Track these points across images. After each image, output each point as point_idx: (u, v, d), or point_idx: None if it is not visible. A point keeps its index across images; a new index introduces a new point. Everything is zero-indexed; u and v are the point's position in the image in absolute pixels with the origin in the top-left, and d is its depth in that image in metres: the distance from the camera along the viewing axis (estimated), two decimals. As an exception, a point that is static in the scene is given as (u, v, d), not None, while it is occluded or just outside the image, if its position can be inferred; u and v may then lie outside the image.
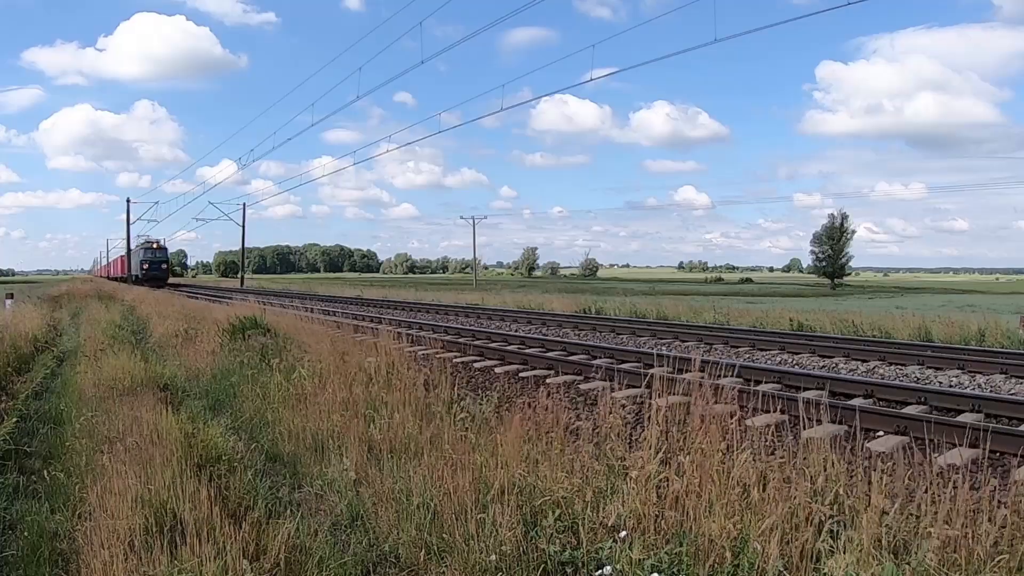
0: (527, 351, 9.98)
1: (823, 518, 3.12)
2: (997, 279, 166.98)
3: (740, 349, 10.79)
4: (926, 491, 3.25)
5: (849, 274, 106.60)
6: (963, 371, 8.38)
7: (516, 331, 13.99)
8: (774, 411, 5.57)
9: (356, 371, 7.16)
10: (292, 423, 6.23)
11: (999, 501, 3.10)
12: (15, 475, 5.41)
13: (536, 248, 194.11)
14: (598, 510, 3.57)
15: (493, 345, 10.66)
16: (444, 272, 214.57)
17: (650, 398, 4.93)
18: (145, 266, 50.82)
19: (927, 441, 4.69)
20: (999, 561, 2.78)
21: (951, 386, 7.59)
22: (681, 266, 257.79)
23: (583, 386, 7.37)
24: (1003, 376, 7.95)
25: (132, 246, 56.48)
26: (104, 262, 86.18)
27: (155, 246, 52.76)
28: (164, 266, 52.92)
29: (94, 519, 3.82)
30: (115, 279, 61.87)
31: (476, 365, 9.05)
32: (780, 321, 14.82)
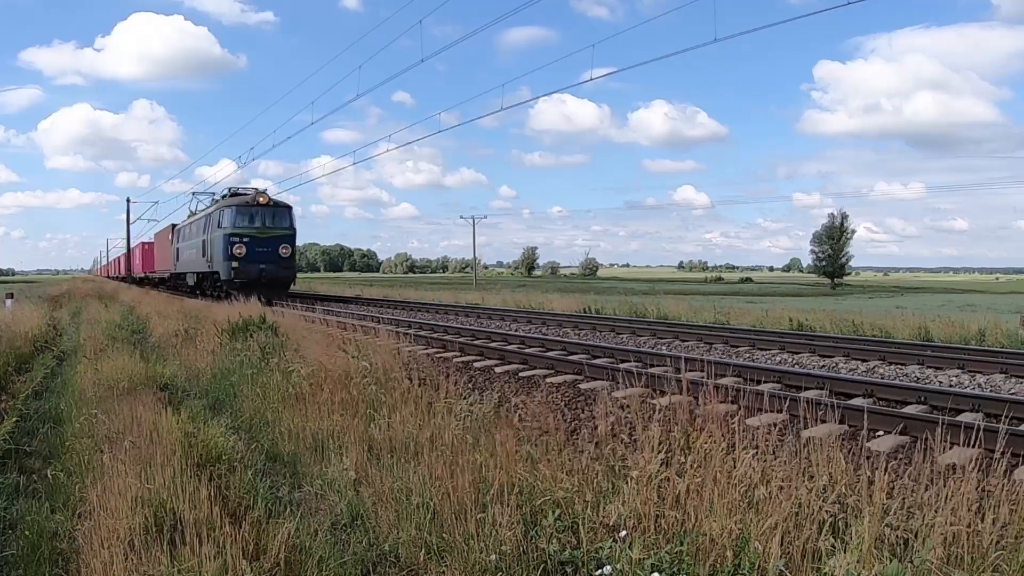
0: (527, 351, 9.97)
1: (825, 517, 3.12)
2: (997, 279, 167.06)
3: (740, 349, 10.79)
4: (926, 489, 3.26)
5: (849, 274, 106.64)
6: (963, 371, 8.37)
7: (516, 331, 13.99)
8: (774, 410, 5.57)
9: (356, 370, 7.15)
10: (292, 423, 6.22)
11: (1000, 501, 3.09)
12: (15, 475, 5.40)
13: (536, 248, 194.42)
14: (598, 510, 3.57)
15: (493, 345, 10.65)
16: (444, 272, 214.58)
17: (651, 397, 4.94)
18: (239, 250, 22.35)
19: (927, 440, 4.69)
20: (999, 557, 2.78)
21: (951, 386, 7.59)
22: (681, 266, 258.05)
23: (583, 386, 7.36)
24: (1003, 376, 7.95)
25: (203, 203, 29.20)
26: (104, 261, 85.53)
27: (261, 200, 23.55)
28: (286, 251, 23.39)
29: (94, 519, 3.82)
30: (116, 279, 58.00)
31: (476, 365, 9.04)
32: (780, 321, 14.82)
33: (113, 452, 4.88)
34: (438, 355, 9.73)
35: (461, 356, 9.71)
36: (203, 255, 25.09)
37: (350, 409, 6.16)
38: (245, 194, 24.71)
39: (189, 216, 30.82)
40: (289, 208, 24.21)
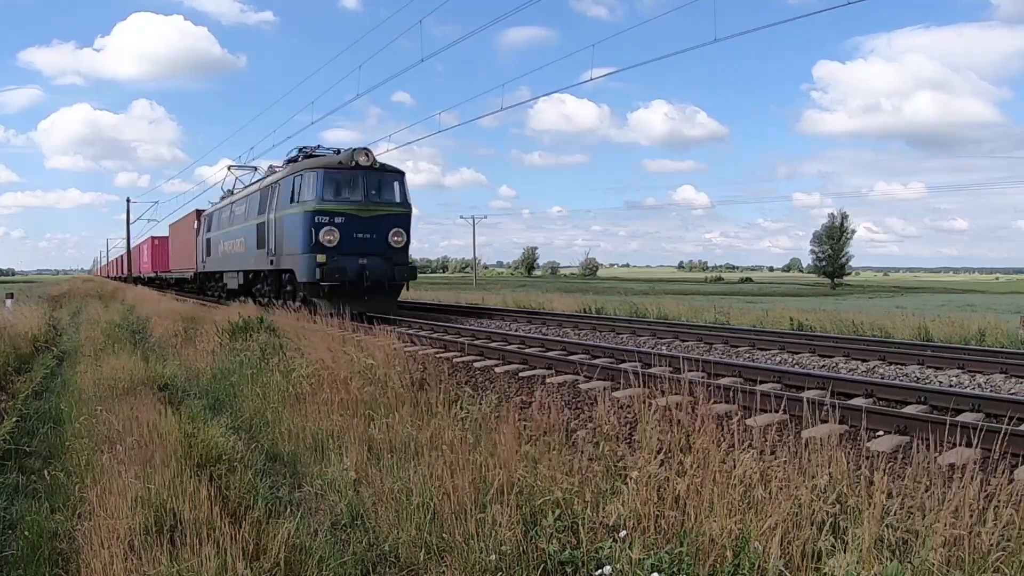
0: (527, 351, 9.97)
1: (825, 517, 3.12)
2: (997, 279, 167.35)
3: (740, 349, 10.78)
4: (926, 491, 3.26)
5: (849, 274, 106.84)
6: (963, 371, 8.37)
7: (516, 330, 13.98)
8: (774, 411, 5.57)
9: (355, 371, 7.15)
10: (292, 423, 6.22)
11: (1002, 502, 3.09)
12: (15, 475, 5.40)
13: (536, 248, 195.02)
14: (598, 510, 3.57)
15: (493, 344, 10.65)
16: (444, 271, 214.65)
17: (651, 397, 4.94)
18: (329, 237, 14.53)
19: (928, 441, 4.70)
20: (1000, 559, 2.78)
21: (951, 385, 7.59)
22: (681, 266, 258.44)
23: (583, 386, 7.36)
24: (1003, 376, 7.95)
25: (245, 181, 22.03)
26: (104, 261, 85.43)
27: (362, 160, 15.12)
28: (399, 238, 15.46)
29: (94, 519, 3.82)
30: (116, 279, 57.48)
31: (476, 365, 9.04)
32: (780, 321, 14.81)
33: (113, 452, 4.89)
34: (438, 355, 9.73)
35: (461, 356, 9.71)
36: (260, 246, 17.11)
37: (349, 409, 6.16)
38: (328, 153, 16.15)
39: (225, 196, 22.74)
40: (401, 175, 15.82)
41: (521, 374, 8.27)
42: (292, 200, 15.31)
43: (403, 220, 15.70)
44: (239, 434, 6.40)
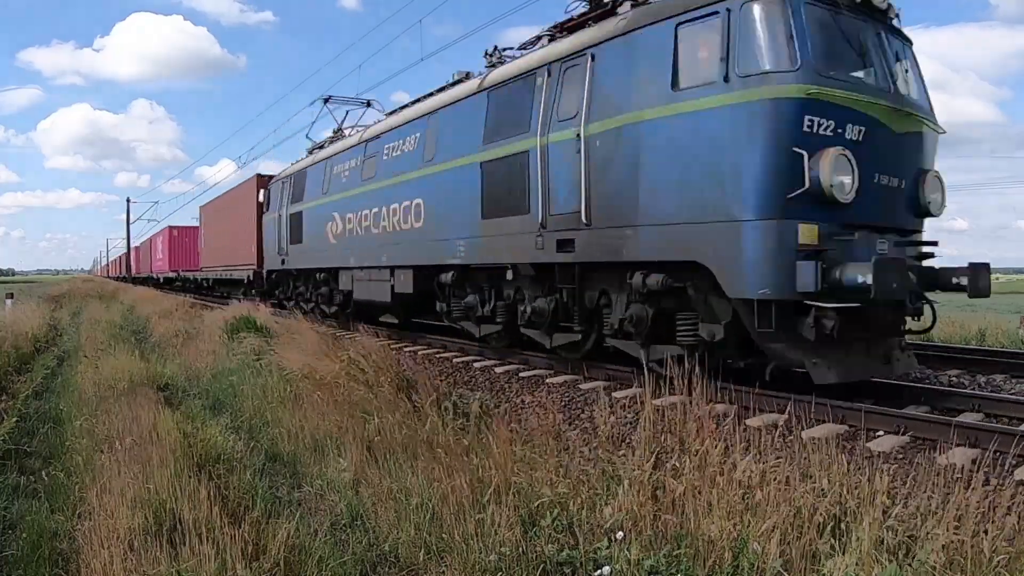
0: (526, 351, 9.96)
1: (824, 519, 3.12)
2: (997, 279, 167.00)
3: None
4: (925, 491, 3.26)
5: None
6: (963, 371, 8.36)
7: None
8: (773, 411, 5.56)
9: (353, 371, 7.15)
10: (291, 423, 6.23)
11: (1001, 502, 3.10)
12: (15, 475, 5.41)
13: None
14: (595, 511, 3.57)
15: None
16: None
17: (653, 397, 4.93)
18: (843, 180, 5.03)
19: (928, 441, 4.70)
20: (1001, 561, 2.77)
21: (951, 385, 7.58)
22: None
23: (583, 386, 7.36)
24: (1003, 376, 7.94)
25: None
26: (104, 261, 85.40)
27: None
28: (937, 195, 6.19)
29: (94, 519, 3.83)
30: (117, 279, 57.41)
31: (476, 365, 9.04)
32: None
33: (113, 452, 4.90)
34: (438, 355, 9.74)
35: (462, 356, 9.71)
36: (491, 212, 8.24)
37: (346, 410, 6.17)
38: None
39: (317, 148, 14.98)
40: (910, 44, 6.70)
41: (521, 374, 8.27)
42: (674, 82, 5.98)
43: (934, 150, 6.91)
44: (239, 434, 6.40)
